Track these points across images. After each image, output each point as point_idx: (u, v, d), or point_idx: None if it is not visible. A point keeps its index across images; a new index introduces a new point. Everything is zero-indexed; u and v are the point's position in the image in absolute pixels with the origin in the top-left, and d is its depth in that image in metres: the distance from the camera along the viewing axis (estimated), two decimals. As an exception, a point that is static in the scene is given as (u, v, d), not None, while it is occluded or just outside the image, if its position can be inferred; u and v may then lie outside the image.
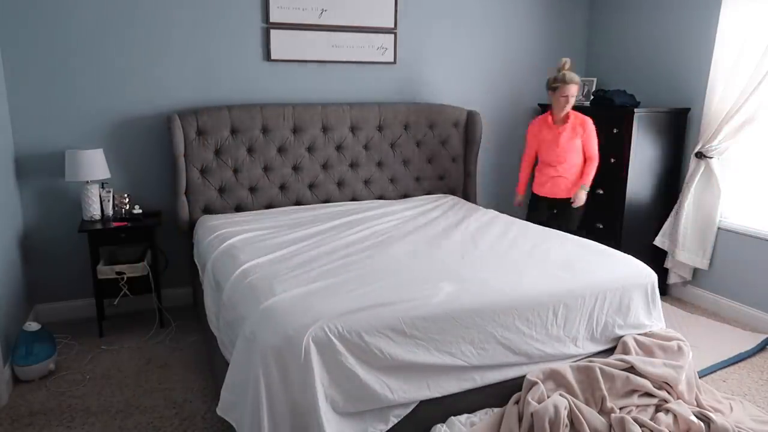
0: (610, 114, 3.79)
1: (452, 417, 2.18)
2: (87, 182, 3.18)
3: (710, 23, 3.59)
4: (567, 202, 3.59)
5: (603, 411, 2.25)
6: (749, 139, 3.49)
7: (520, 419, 2.15)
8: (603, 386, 2.28)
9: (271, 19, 3.54)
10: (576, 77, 3.44)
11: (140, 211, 3.32)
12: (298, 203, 3.68)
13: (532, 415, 2.11)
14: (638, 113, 3.63)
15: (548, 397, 2.19)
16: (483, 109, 4.28)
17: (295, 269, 2.40)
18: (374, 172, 3.85)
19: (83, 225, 3.15)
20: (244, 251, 2.64)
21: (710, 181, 3.62)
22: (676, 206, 3.76)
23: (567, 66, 3.46)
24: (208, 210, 3.46)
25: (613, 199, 3.81)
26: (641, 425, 2.16)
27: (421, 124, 3.91)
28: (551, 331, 2.34)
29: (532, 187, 3.81)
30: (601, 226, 3.91)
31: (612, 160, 3.77)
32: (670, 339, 2.55)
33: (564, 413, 2.11)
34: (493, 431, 2.14)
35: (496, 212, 3.49)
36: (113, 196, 3.30)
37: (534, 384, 2.22)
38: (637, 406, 2.32)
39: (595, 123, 3.56)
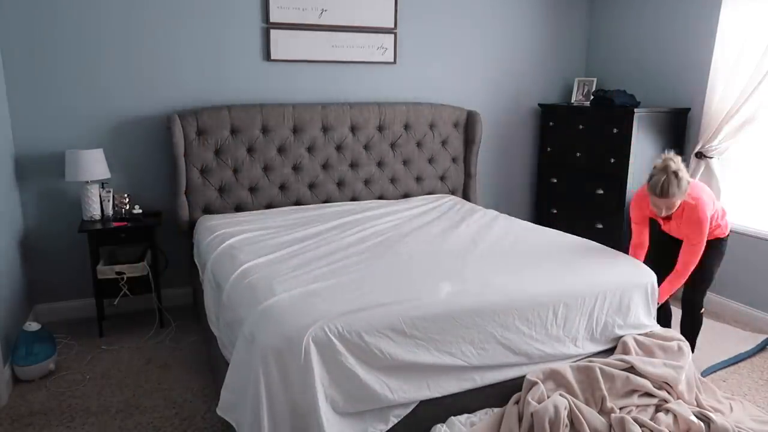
0: (610, 114, 3.79)
1: (452, 417, 2.18)
2: (87, 182, 3.18)
3: (710, 23, 3.59)
4: None
5: (603, 411, 2.24)
6: (749, 139, 3.50)
7: (520, 419, 2.15)
8: (603, 386, 2.28)
9: (271, 19, 3.54)
10: (674, 189, 2.47)
11: (140, 211, 3.32)
12: (298, 203, 3.67)
13: (532, 415, 2.11)
14: (638, 113, 3.63)
15: (548, 397, 2.19)
16: (483, 109, 4.28)
17: (295, 269, 2.40)
18: (374, 172, 3.85)
19: (83, 225, 3.15)
20: (244, 251, 2.64)
21: (710, 181, 3.61)
22: (676, 206, 3.76)
23: (668, 167, 2.48)
24: (208, 210, 3.46)
25: (613, 199, 3.81)
26: (641, 425, 2.16)
27: (421, 124, 3.91)
28: (551, 331, 2.34)
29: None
30: (600, 226, 3.91)
31: (612, 160, 3.77)
32: (670, 339, 2.55)
33: (564, 413, 2.11)
34: (493, 431, 2.14)
35: (497, 212, 3.48)
36: (113, 196, 3.30)
37: (534, 384, 2.22)
38: (637, 406, 2.32)
39: (595, 123, 3.56)
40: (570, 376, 2.29)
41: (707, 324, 3.47)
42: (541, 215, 4.53)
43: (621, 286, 2.51)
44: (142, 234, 3.26)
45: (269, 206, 3.60)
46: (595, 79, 4.30)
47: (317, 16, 3.64)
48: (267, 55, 3.60)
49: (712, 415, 2.29)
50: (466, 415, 2.20)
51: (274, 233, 2.95)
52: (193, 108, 3.45)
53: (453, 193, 4.13)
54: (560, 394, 2.21)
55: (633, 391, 2.35)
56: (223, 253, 2.70)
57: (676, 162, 2.48)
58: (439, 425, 2.15)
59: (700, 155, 3.61)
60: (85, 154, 3.11)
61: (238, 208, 3.53)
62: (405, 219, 3.31)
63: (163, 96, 3.42)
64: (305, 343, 1.88)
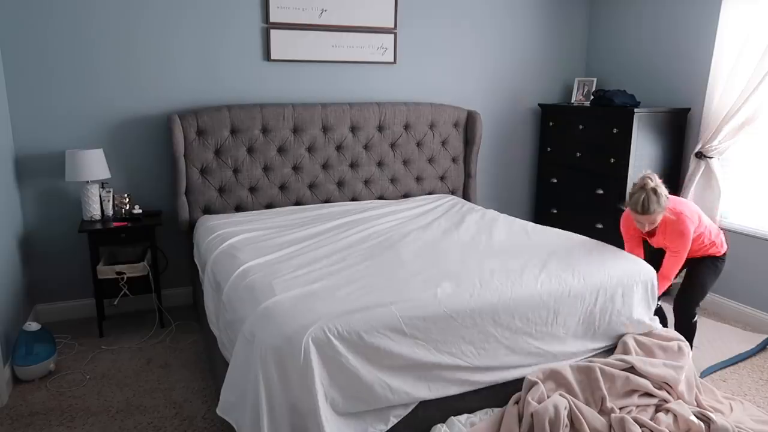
0: (610, 114, 3.79)
1: (452, 417, 2.18)
2: (87, 182, 3.18)
3: (710, 23, 3.59)
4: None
5: (603, 411, 2.24)
6: (749, 139, 3.50)
7: (520, 419, 2.15)
8: (603, 386, 2.28)
9: (271, 19, 3.54)
10: (651, 206, 2.54)
11: (140, 211, 3.32)
12: (298, 203, 3.68)
13: (532, 415, 2.11)
14: (638, 113, 3.63)
15: (548, 397, 2.19)
16: (483, 109, 4.29)
17: (295, 269, 2.40)
18: (374, 172, 3.85)
19: (83, 225, 3.15)
20: (244, 251, 2.64)
21: (710, 181, 3.62)
22: (676, 206, 3.76)
23: (646, 185, 2.56)
24: (208, 210, 3.46)
25: (613, 199, 3.81)
26: (641, 425, 2.16)
27: (421, 124, 3.91)
28: (551, 330, 2.34)
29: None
30: (601, 226, 3.91)
31: (612, 160, 3.77)
32: (670, 339, 2.55)
33: (564, 413, 2.10)
34: (493, 431, 2.14)
35: (497, 212, 3.48)
36: (113, 196, 3.30)
37: (534, 384, 2.22)
38: (637, 406, 2.32)
39: (595, 123, 3.55)
40: (570, 376, 2.29)
41: (707, 324, 3.48)
42: (541, 215, 4.53)
43: (621, 283, 2.51)
44: (142, 234, 3.26)
45: (269, 206, 3.60)
46: (595, 79, 4.30)
47: (317, 16, 3.64)
48: (267, 55, 3.60)
49: (712, 415, 2.29)
50: (466, 415, 2.20)
51: (274, 233, 2.95)
52: (193, 108, 3.45)
53: (453, 193, 4.13)
54: (560, 394, 2.21)
55: (633, 391, 2.35)
56: (223, 253, 2.70)
57: (654, 180, 2.58)
58: (439, 425, 2.15)
59: (700, 155, 3.61)
60: (85, 154, 3.11)
61: (238, 208, 3.53)
62: (405, 219, 3.31)
63: (163, 96, 3.42)
64: (305, 343, 1.88)
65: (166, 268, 3.60)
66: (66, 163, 3.12)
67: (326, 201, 3.74)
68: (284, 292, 2.14)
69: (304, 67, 3.71)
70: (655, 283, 2.63)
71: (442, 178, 4.07)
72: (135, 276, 3.21)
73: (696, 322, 2.90)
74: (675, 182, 3.88)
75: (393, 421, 2.07)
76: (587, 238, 2.93)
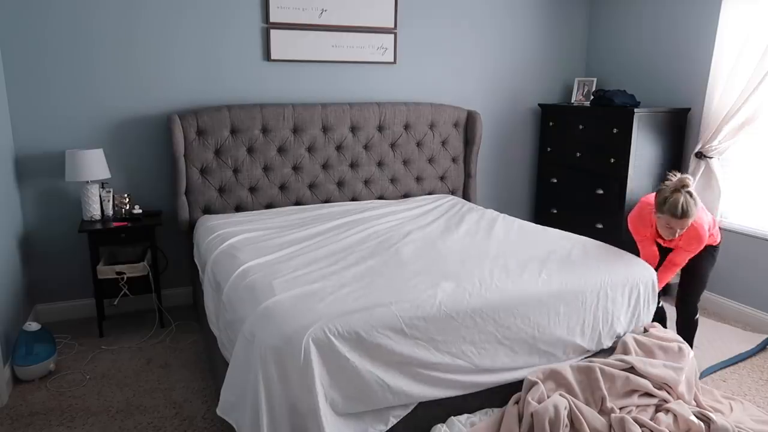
0: (610, 114, 3.79)
1: (452, 417, 2.18)
2: (87, 182, 3.18)
3: (710, 23, 3.59)
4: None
5: (603, 411, 2.24)
6: (749, 139, 3.50)
7: (520, 419, 2.15)
8: (603, 386, 2.28)
9: (271, 19, 3.54)
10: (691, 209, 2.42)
11: (140, 211, 3.32)
12: (298, 203, 3.68)
13: (532, 415, 2.11)
14: (638, 113, 3.63)
15: (548, 397, 2.19)
16: (483, 109, 4.29)
17: (295, 269, 2.40)
18: (374, 172, 3.85)
19: (83, 225, 3.15)
20: (244, 251, 2.64)
21: (710, 181, 3.62)
22: (676, 206, 3.76)
23: (686, 186, 2.43)
24: (208, 210, 3.46)
25: (613, 199, 3.81)
26: (641, 425, 2.16)
27: (421, 124, 3.91)
28: (552, 330, 2.34)
29: None
30: (601, 226, 3.91)
31: (612, 160, 3.77)
32: (670, 340, 2.54)
33: (564, 413, 2.10)
34: (493, 431, 2.14)
35: (497, 212, 3.48)
36: (113, 196, 3.30)
37: (534, 384, 2.22)
38: (637, 406, 2.32)
39: (595, 123, 3.55)
40: (570, 376, 2.29)
41: (707, 324, 3.48)
42: (541, 215, 4.54)
43: (621, 283, 2.51)
44: (142, 234, 3.26)
45: (269, 206, 3.60)
46: (595, 79, 4.30)
47: (317, 16, 3.64)
48: (267, 55, 3.60)
49: (712, 415, 2.29)
50: (466, 415, 2.20)
51: (274, 233, 2.95)
52: (193, 108, 3.45)
53: (453, 193, 4.13)
54: (560, 394, 2.21)
55: (633, 391, 2.35)
56: (223, 253, 2.70)
57: (691, 181, 2.43)
58: (439, 425, 2.15)
59: (700, 155, 3.61)
60: (85, 154, 3.11)
61: (238, 208, 3.53)
62: (405, 219, 3.31)
63: (163, 96, 3.42)
64: (305, 343, 1.88)
65: (166, 268, 3.60)
66: (66, 163, 3.12)
67: (326, 201, 3.74)
68: (284, 292, 2.14)
69: (304, 67, 3.71)
70: (656, 283, 2.63)
71: (442, 178, 4.08)
72: (135, 276, 3.21)
73: (698, 319, 2.89)
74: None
75: (393, 421, 2.07)
76: (587, 239, 2.93)
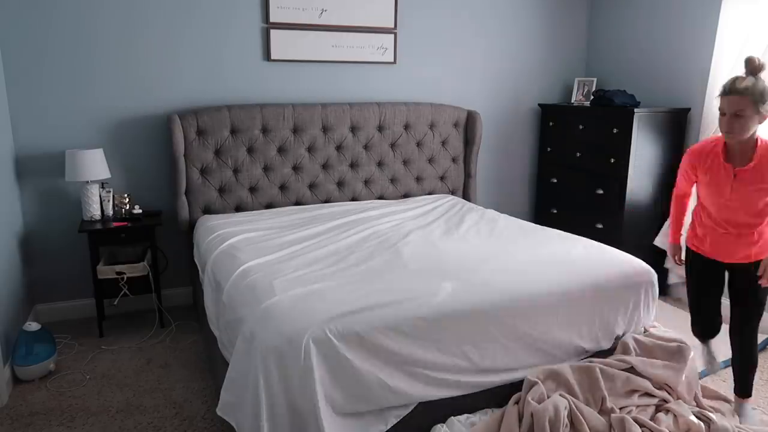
0: (610, 114, 3.79)
1: (452, 417, 2.18)
2: (87, 182, 3.18)
3: (710, 23, 3.59)
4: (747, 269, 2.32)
5: (603, 411, 2.25)
6: (749, 139, 3.49)
7: (520, 419, 2.15)
8: (603, 386, 2.28)
9: (271, 19, 3.54)
10: (748, 86, 2.05)
11: (140, 211, 3.32)
12: (298, 203, 3.68)
13: (532, 415, 2.11)
14: (638, 113, 3.63)
15: (548, 397, 2.19)
16: (483, 109, 4.29)
17: (296, 269, 2.40)
18: (374, 172, 3.85)
19: (83, 225, 3.15)
20: (244, 251, 2.64)
21: (710, 181, 3.61)
22: (676, 206, 3.76)
23: (751, 66, 2.12)
24: (208, 210, 3.46)
25: (613, 199, 3.81)
26: (641, 425, 2.16)
27: (421, 124, 3.91)
28: (551, 330, 2.34)
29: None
30: (601, 226, 3.91)
31: (612, 160, 3.77)
32: (670, 340, 2.54)
33: (564, 413, 2.11)
34: (493, 431, 2.14)
35: (497, 212, 3.49)
36: (113, 196, 3.30)
37: (534, 384, 2.22)
38: (637, 406, 2.32)
39: (595, 123, 3.55)
40: (570, 376, 2.29)
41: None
42: (541, 215, 4.54)
43: (621, 284, 2.51)
44: (142, 234, 3.25)
45: (269, 206, 3.60)
46: (595, 79, 4.30)
47: (317, 16, 3.64)
48: (267, 55, 3.60)
49: (712, 415, 2.29)
50: (466, 415, 2.20)
51: (275, 233, 2.95)
52: (193, 108, 3.45)
53: (453, 193, 4.13)
54: (560, 394, 2.21)
55: (633, 391, 2.35)
56: (223, 252, 2.70)
57: (762, 62, 2.05)
58: (439, 425, 2.15)
59: (700, 155, 3.60)
60: (85, 154, 3.11)
61: (239, 208, 3.53)
62: (405, 219, 3.31)
63: (163, 96, 3.42)
64: (305, 343, 1.88)
65: (166, 268, 3.60)
66: (66, 163, 3.12)
67: (326, 201, 3.74)
68: (285, 292, 2.14)
69: (304, 67, 3.72)
70: (656, 283, 2.62)
71: (442, 178, 4.08)
72: (135, 276, 3.21)
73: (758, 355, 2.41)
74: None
75: (393, 421, 2.07)
76: (588, 239, 2.93)
